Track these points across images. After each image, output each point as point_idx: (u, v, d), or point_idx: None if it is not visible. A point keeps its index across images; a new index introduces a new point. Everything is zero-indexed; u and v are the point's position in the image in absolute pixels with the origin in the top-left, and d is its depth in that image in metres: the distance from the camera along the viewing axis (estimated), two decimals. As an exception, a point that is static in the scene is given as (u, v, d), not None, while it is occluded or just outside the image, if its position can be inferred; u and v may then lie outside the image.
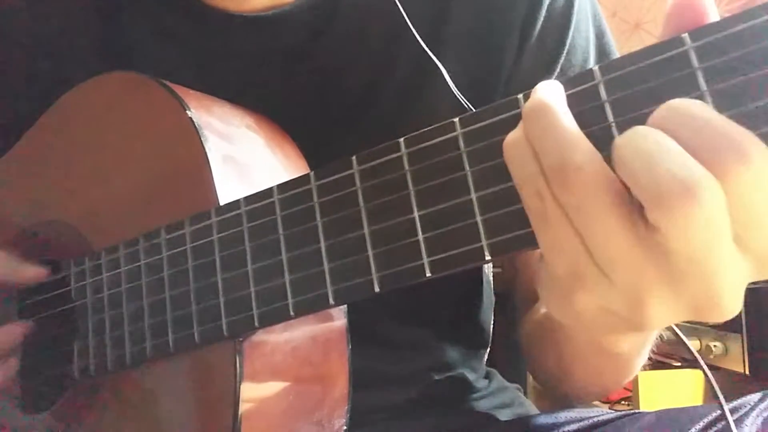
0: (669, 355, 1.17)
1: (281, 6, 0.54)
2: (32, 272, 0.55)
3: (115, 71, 0.53)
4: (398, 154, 0.36)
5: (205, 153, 0.45)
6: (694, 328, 1.09)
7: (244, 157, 0.48)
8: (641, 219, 0.29)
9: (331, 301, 0.39)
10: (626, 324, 0.32)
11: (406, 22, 0.54)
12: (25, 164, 0.60)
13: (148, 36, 0.57)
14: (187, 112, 0.47)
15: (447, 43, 0.55)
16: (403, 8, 0.54)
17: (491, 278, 0.74)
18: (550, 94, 0.31)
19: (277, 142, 0.51)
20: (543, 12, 0.55)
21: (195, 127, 0.46)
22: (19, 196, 0.59)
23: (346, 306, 0.47)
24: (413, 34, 0.54)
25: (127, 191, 0.51)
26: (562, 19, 0.56)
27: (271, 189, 0.41)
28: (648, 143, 0.28)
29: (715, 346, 1.04)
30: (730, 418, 0.44)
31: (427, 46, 0.54)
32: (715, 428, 0.49)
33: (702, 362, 0.43)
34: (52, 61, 0.60)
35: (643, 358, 0.51)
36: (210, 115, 0.48)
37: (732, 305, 0.30)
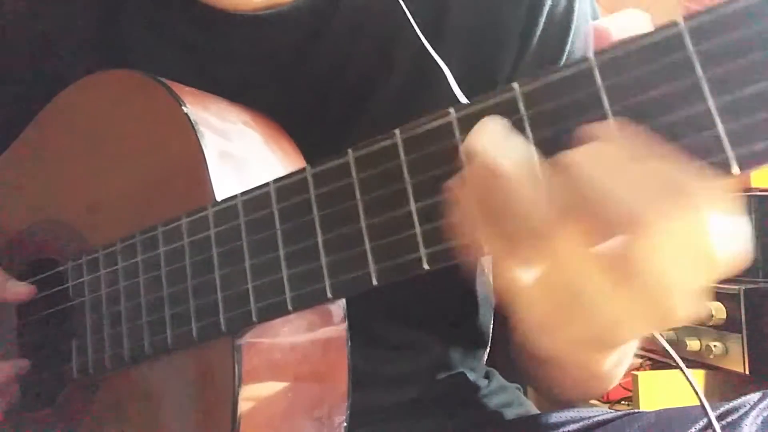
0: (669, 355, 1.17)
1: (280, 6, 0.54)
2: (23, 290, 0.55)
3: (111, 69, 0.53)
4: (393, 141, 0.36)
5: (202, 149, 0.45)
6: (694, 328, 1.09)
7: (241, 153, 0.48)
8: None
9: (329, 295, 0.38)
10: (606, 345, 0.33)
11: (405, 22, 0.53)
12: (22, 163, 0.60)
13: (147, 35, 0.57)
14: (183, 108, 0.47)
15: (445, 45, 0.55)
16: (401, 13, 0.54)
17: (492, 278, 0.74)
18: (485, 142, 0.31)
19: (274, 138, 0.51)
20: (543, 18, 0.55)
21: (191, 123, 0.46)
22: (18, 196, 0.59)
23: (345, 303, 0.47)
24: (412, 34, 0.54)
25: (125, 189, 0.51)
26: (562, 26, 0.56)
27: (267, 183, 0.41)
28: None
29: (715, 346, 1.04)
30: (716, 424, 0.44)
31: (424, 49, 0.54)
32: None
33: (680, 362, 0.43)
34: (52, 60, 0.60)
35: (629, 359, 0.51)
36: (206, 112, 0.48)
37: (680, 308, 0.30)
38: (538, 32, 0.56)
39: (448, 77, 0.51)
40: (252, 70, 0.56)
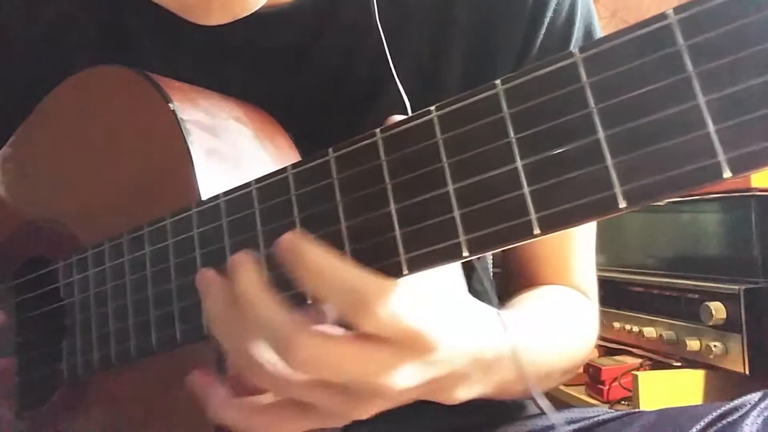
0: (669, 355, 1.17)
1: (281, 4, 0.54)
2: None
3: (101, 65, 0.53)
4: (373, 140, 0.35)
5: (188, 147, 0.45)
6: (695, 327, 1.09)
7: (230, 151, 0.47)
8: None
9: (309, 300, 0.37)
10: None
11: (407, 22, 0.53)
12: (15, 161, 0.59)
13: (150, 33, 0.57)
14: (170, 105, 0.46)
15: (449, 47, 0.55)
16: (406, 10, 0.54)
17: (491, 277, 0.73)
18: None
19: (266, 133, 0.51)
20: (543, 29, 0.56)
21: (177, 120, 0.46)
22: (11, 194, 0.59)
23: None
24: (414, 34, 0.54)
25: (115, 187, 0.50)
26: (562, 37, 0.57)
27: (249, 183, 0.40)
28: None
29: (715, 346, 1.04)
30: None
31: (431, 49, 0.55)
32: (714, 428, 0.49)
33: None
34: (52, 58, 0.59)
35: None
36: (195, 108, 0.48)
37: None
38: (537, 45, 0.56)
39: (401, 90, 0.52)
40: (254, 68, 0.56)
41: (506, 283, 0.65)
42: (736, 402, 0.51)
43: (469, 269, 0.68)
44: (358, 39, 0.55)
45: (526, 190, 0.30)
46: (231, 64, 0.56)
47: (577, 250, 0.63)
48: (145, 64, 0.52)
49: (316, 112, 0.56)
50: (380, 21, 0.54)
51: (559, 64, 0.30)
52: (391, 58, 0.55)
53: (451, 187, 0.33)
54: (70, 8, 0.59)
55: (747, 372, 0.98)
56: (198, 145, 0.45)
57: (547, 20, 0.56)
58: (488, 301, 0.70)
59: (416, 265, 0.34)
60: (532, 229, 0.30)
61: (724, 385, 1.05)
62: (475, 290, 0.68)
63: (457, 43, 0.55)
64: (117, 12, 0.58)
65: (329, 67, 0.56)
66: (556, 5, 0.56)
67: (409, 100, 0.55)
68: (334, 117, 0.56)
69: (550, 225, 0.30)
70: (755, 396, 0.51)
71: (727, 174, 0.26)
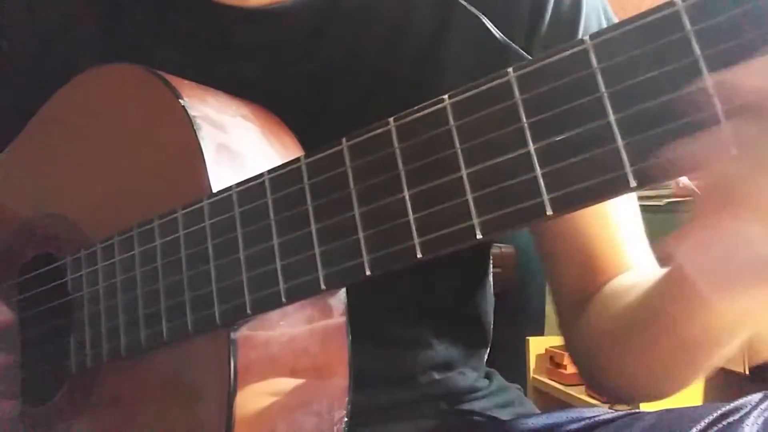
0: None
1: (282, 2, 0.54)
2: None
3: (110, 63, 0.53)
4: (386, 128, 0.36)
5: (198, 142, 0.45)
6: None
7: (239, 146, 0.48)
8: None
9: (323, 286, 0.38)
10: None
11: (407, 20, 0.53)
12: (24, 157, 0.60)
13: (150, 31, 0.57)
14: (180, 101, 0.47)
15: (451, 42, 0.55)
16: (406, 8, 0.54)
17: (491, 278, 0.73)
18: None
19: (273, 131, 0.51)
20: (547, 17, 0.55)
21: (188, 116, 0.46)
22: (19, 190, 0.59)
23: (345, 296, 0.47)
24: (416, 31, 0.54)
25: (124, 183, 0.51)
26: (570, 19, 0.56)
27: (261, 174, 0.41)
28: None
29: (715, 346, 1.04)
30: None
31: (431, 46, 0.55)
32: (715, 428, 0.49)
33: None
34: (55, 57, 0.60)
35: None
36: (204, 105, 0.48)
37: None
38: (543, 31, 0.55)
39: (487, 24, 0.51)
40: (253, 66, 0.56)
41: (566, 291, 0.61)
42: (737, 403, 0.51)
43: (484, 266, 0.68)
44: (359, 33, 0.55)
45: (538, 172, 0.31)
46: (233, 62, 0.56)
47: (629, 232, 0.59)
48: (147, 63, 0.52)
49: (319, 108, 0.56)
50: (384, 14, 0.54)
51: (569, 51, 0.31)
52: (393, 50, 0.55)
53: (464, 172, 0.33)
54: (71, 9, 0.59)
55: (747, 372, 0.99)
56: (209, 140, 0.46)
57: (550, 7, 0.55)
58: (489, 297, 0.69)
59: (430, 249, 0.34)
60: (545, 210, 0.31)
61: (724, 385, 1.05)
62: (475, 304, 0.67)
63: (459, 41, 0.55)
64: (118, 11, 0.58)
65: (328, 65, 0.56)
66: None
67: (411, 89, 0.55)
68: (332, 114, 0.57)
69: (563, 206, 0.31)
70: (756, 397, 0.51)
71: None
